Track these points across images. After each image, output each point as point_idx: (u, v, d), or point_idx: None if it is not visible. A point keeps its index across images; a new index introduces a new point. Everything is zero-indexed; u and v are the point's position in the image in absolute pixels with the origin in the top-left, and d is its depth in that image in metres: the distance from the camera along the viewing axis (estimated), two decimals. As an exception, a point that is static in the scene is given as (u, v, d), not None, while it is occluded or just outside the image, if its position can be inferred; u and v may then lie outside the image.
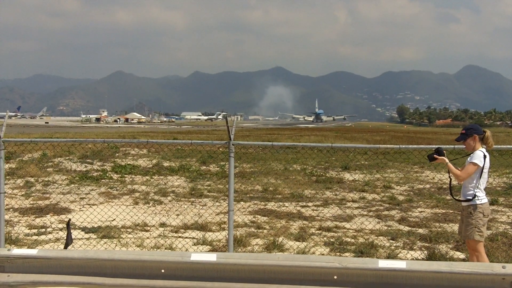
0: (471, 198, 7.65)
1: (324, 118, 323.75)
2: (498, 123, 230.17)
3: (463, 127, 8.08)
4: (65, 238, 8.96)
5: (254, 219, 13.19)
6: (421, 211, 14.54)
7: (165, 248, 10.31)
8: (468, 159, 7.71)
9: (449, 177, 7.96)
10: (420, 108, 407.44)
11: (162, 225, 12.40)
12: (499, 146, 8.78)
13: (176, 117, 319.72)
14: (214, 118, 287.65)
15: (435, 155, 7.75)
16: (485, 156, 7.63)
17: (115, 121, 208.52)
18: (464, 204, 7.77)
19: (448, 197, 16.18)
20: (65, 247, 8.07)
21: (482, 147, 7.74)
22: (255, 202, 15.64)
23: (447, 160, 7.69)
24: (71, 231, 8.46)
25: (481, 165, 7.58)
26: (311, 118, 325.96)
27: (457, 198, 7.93)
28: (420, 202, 16.09)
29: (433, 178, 21.19)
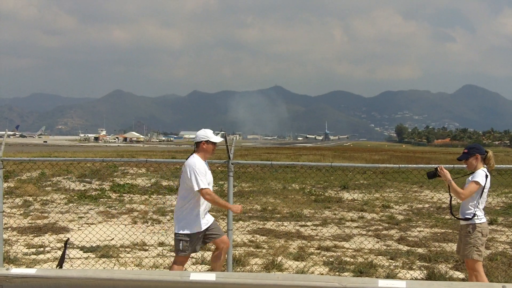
0: (470, 217, 7.63)
1: (331, 137, 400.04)
2: (497, 142, 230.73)
3: (466, 146, 8.08)
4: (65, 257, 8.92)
5: (253, 238, 13.16)
6: (420, 231, 14.52)
7: (164, 268, 10.28)
8: (470, 177, 7.70)
9: (450, 195, 7.95)
10: (419, 127, 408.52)
11: (161, 244, 12.37)
12: (498, 166, 8.79)
13: (175, 136, 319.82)
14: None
15: (437, 169, 7.72)
16: (486, 176, 7.64)
17: (114, 139, 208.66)
18: (463, 223, 7.75)
19: (448, 217, 16.18)
20: (59, 266, 8.03)
21: (484, 167, 7.75)
22: (254, 221, 15.62)
23: (449, 177, 7.66)
24: (67, 251, 8.42)
25: (483, 184, 7.58)
26: (321, 138, 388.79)
27: (457, 216, 7.91)
28: (419, 222, 16.07)
29: (432, 197, 21.19)
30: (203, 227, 7.85)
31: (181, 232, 7.75)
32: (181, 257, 7.86)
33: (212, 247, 12.13)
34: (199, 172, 7.67)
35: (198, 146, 7.96)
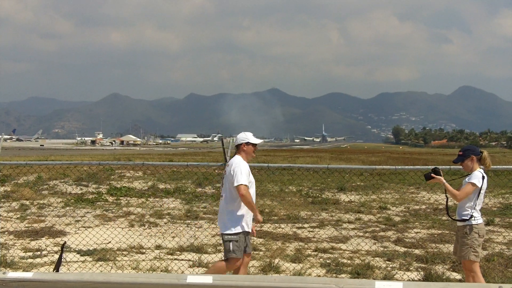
0: (467, 218, 7.63)
1: (328, 139, 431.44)
2: (494, 143, 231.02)
3: (460, 148, 8.09)
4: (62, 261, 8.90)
5: (250, 240, 13.15)
6: (417, 232, 14.53)
7: (161, 271, 10.27)
8: (466, 179, 7.71)
9: (446, 196, 7.95)
10: (416, 129, 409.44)
11: (158, 247, 12.36)
12: (495, 167, 8.78)
13: (172, 139, 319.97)
14: (209, 140, 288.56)
15: (432, 174, 7.74)
16: (483, 177, 7.65)
17: (111, 143, 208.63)
18: (459, 224, 7.75)
19: (444, 218, 16.19)
20: (56, 270, 8.00)
21: (480, 167, 7.76)
22: (251, 223, 15.60)
23: (443, 180, 7.67)
24: (64, 254, 8.39)
25: (480, 186, 7.58)
26: (318, 140, 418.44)
27: (453, 217, 7.91)
28: (416, 223, 16.08)
29: (429, 198, 21.21)
30: (248, 230, 7.92)
31: (229, 232, 7.78)
32: (231, 259, 7.81)
33: (210, 249, 12.13)
34: (242, 169, 7.79)
35: (239, 148, 8.11)
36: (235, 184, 7.69)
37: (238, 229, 7.79)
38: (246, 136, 8.11)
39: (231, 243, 7.76)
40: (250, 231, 8.02)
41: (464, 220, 7.66)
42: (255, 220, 7.99)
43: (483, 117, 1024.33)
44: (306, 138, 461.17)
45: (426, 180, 7.89)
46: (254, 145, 8.10)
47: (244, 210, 7.88)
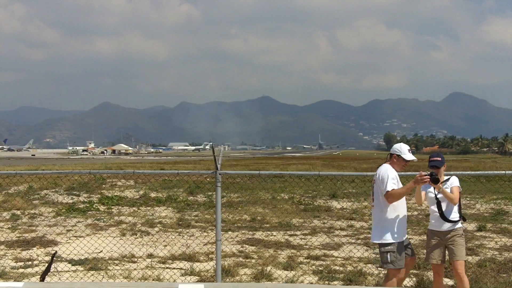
0: (459, 219, 7.74)
1: (324, 147, 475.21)
2: (485, 149, 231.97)
3: (435, 154, 8.19)
4: (50, 270, 8.83)
5: (242, 248, 13.12)
6: (409, 238, 14.52)
7: (153, 279, 10.22)
8: (448, 183, 7.76)
9: (437, 200, 7.86)
10: (407, 135, 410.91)
11: (150, 256, 12.31)
12: (486, 172, 8.78)
13: (163, 148, 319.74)
14: (201, 148, 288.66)
15: (432, 174, 7.69)
16: None
17: (102, 152, 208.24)
18: (449, 227, 7.75)
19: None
20: (41, 279, 7.93)
21: None
22: (243, 231, 15.58)
23: (441, 186, 7.70)
24: (54, 264, 8.32)
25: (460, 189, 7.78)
26: (316, 147, 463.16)
27: (452, 220, 7.83)
28: (408, 229, 16.07)
29: (421, 204, 21.21)
30: (402, 240, 7.66)
31: (383, 241, 7.57)
32: (391, 270, 7.59)
33: (202, 257, 12.08)
34: (390, 176, 7.60)
35: (391, 158, 7.97)
36: (384, 193, 7.54)
37: (393, 239, 7.55)
38: (401, 149, 7.92)
39: (388, 254, 7.52)
40: (404, 240, 7.72)
41: (456, 222, 7.74)
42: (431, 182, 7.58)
43: (474, 123, 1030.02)
44: (305, 146, 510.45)
45: (434, 183, 7.70)
46: (404, 160, 7.91)
47: (397, 218, 7.65)
